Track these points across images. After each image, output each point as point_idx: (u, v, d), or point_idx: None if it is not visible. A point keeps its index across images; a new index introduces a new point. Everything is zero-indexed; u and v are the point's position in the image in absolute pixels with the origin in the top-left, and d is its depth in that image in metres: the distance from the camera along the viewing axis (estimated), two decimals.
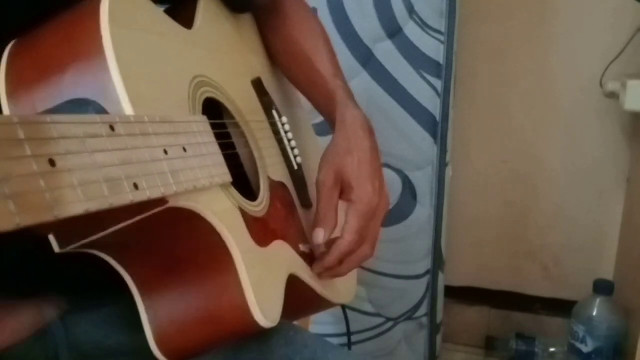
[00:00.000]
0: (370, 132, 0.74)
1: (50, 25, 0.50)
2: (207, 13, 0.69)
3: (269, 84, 0.80)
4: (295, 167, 0.78)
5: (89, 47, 0.46)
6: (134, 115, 0.44)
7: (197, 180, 0.48)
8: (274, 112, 0.77)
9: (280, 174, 0.74)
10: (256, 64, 0.79)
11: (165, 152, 0.45)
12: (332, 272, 0.72)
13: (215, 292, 0.53)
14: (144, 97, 0.48)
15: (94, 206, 0.36)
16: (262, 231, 0.60)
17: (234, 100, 0.67)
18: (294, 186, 0.77)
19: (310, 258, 0.72)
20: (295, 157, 0.79)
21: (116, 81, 0.45)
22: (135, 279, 0.54)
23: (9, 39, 0.51)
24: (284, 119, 0.79)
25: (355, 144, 0.72)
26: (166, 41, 0.56)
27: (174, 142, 0.47)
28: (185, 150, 0.48)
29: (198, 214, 0.49)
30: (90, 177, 0.36)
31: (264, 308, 0.53)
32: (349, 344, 1.05)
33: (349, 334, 1.05)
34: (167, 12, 0.70)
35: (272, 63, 0.84)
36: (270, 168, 0.70)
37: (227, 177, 0.55)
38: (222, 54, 0.70)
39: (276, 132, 0.77)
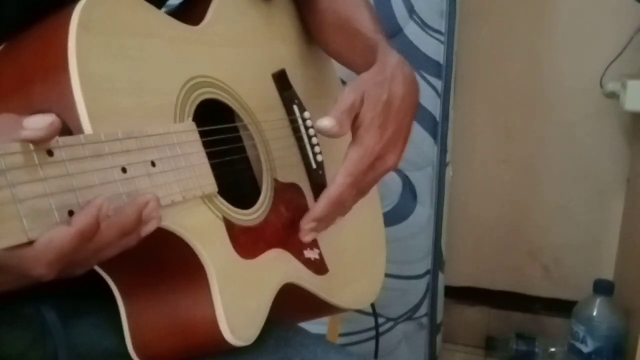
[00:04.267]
0: (412, 84, 0.67)
1: (32, 32, 0.49)
2: (223, 6, 0.67)
3: (297, 74, 0.77)
4: (314, 166, 0.74)
5: (55, 58, 0.46)
6: (87, 135, 0.43)
7: (165, 196, 0.47)
8: (295, 107, 0.74)
9: (293, 174, 0.71)
10: (284, 54, 0.77)
11: (124, 170, 0.44)
12: (322, 225, 0.65)
13: (189, 305, 0.53)
14: (114, 110, 0.47)
15: (6, 242, 0.35)
16: (251, 242, 0.59)
17: (242, 99, 0.65)
18: (310, 186, 0.74)
19: (316, 264, 0.69)
20: (315, 154, 0.75)
21: (76, 98, 0.44)
22: (117, 285, 0.54)
23: (4, 39, 0.51)
24: (306, 114, 0.75)
25: (390, 84, 0.65)
26: (156, 43, 0.55)
27: (138, 158, 0.46)
28: (154, 165, 0.47)
29: (166, 230, 0.48)
30: (6, 213, 0.35)
31: (235, 326, 0.53)
32: (376, 347, 1.04)
33: (377, 336, 1.05)
34: (179, 7, 0.69)
35: (306, 49, 0.81)
36: (280, 169, 0.68)
37: (211, 188, 0.54)
38: (236, 48, 0.68)
39: (296, 129, 0.74)
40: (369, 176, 0.64)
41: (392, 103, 0.65)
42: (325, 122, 0.60)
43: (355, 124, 0.63)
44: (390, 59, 0.68)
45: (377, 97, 0.64)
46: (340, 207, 0.65)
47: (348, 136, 0.65)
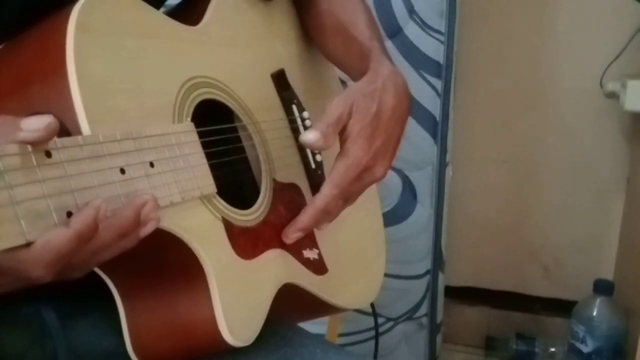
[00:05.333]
0: (403, 94, 0.67)
1: (30, 32, 0.49)
2: (222, 5, 0.67)
3: (296, 74, 0.77)
4: (313, 166, 0.75)
5: (54, 59, 0.45)
6: (85, 136, 0.43)
7: (164, 197, 0.47)
8: (294, 107, 0.74)
9: (292, 174, 0.71)
10: (283, 54, 0.77)
11: (123, 171, 0.44)
12: (307, 232, 0.66)
13: (188, 306, 0.53)
14: (113, 110, 0.47)
15: (4, 245, 0.35)
16: (250, 242, 0.59)
17: (241, 99, 0.65)
18: (309, 186, 0.74)
19: (315, 264, 0.70)
20: (314, 154, 0.75)
21: (75, 99, 0.44)
22: (116, 285, 0.54)
23: (3, 39, 0.51)
24: (305, 114, 0.75)
25: (380, 95, 0.65)
26: (154, 43, 0.55)
27: (136, 159, 0.45)
28: (152, 166, 0.47)
29: (165, 231, 0.48)
30: (3, 215, 0.35)
31: (235, 327, 0.53)
32: (376, 347, 1.05)
33: (377, 336, 1.05)
34: (178, 7, 0.69)
35: (306, 49, 0.81)
36: (280, 169, 0.68)
37: (210, 189, 0.54)
38: (235, 48, 0.68)
39: (295, 129, 0.74)
40: (355, 187, 0.65)
41: (382, 114, 0.65)
42: (310, 136, 0.60)
43: (343, 136, 0.63)
44: (382, 68, 0.68)
45: (366, 109, 0.64)
46: (326, 216, 0.65)
47: None
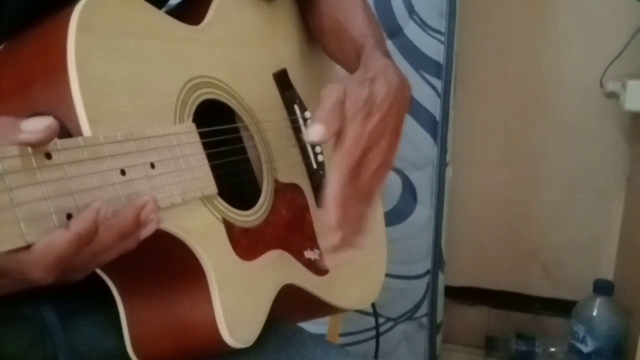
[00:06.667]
0: (396, 87, 0.62)
1: (31, 33, 0.49)
2: (224, 5, 0.67)
3: (298, 74, 0.77)
4: (315, 166, 0.74)
5: (55, 60, 0.45)
6: (85, 137, 0.43)
7: (164, 198, 0.47)
8: (296, 107, 0.74)
9: (294, 174, 0.71)
10: (286, 54, 0.76)
11: (123, 173, 0.44)
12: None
13: (188, 307, 0.53)
14: (114, 111, 0.47)
15: (4, 247, 0.35)
16: (251, 243, 0.59)
17: (243, 99, 0.65)
18: (311, 186, 0.73)
19: (316, 265, 0.69)
20: (316, 155, 0.75)
21: (76, 100, 0.44)
22: (117, 286, 0.54)
23: (3, 39, 0.50)
24: (307, 114, 0.75)
25: (370, 86, 0.61)
26: (156, 44, 0.55)
27: (137, 160, 0.45)
28: (153, 167, 0.47)
29: (166, 232, 0.48)
30: (3, 217, 0.35)
31: (235, 328, 0.53)
32: (377, 347, 1.04)
33: (377, 335, 1.05)
34: (180, 6, 0.69)
35: (308, 48, 0.81)
36: (281, 170, 0.68)
37: (210, 190, 0.54)
38: (237, 48, 0.68)
39: (297, 129, 0.74)
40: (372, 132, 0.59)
41: (375, 99, 0.60)
42: (313, 131, 0.56)
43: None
44: (373, 62, 0.66)
45: (357, 94, 0.59)
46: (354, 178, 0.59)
47: None
